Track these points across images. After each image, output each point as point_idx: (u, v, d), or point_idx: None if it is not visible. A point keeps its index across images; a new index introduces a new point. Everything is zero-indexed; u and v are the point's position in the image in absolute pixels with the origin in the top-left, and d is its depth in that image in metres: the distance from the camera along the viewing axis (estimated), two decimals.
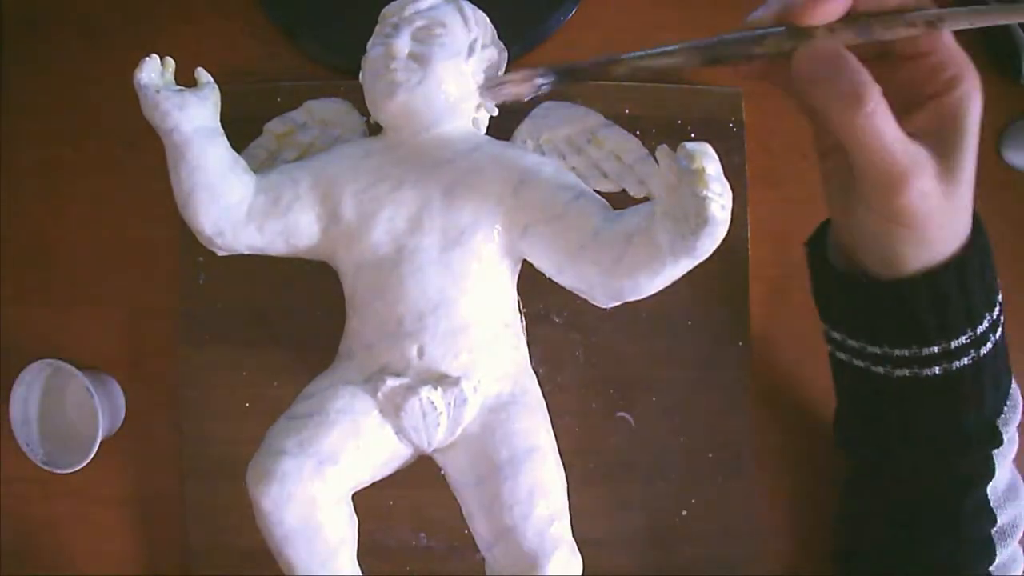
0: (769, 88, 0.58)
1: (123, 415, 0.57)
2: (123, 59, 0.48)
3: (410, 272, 0.45)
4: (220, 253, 0.48)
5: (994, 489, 0.43)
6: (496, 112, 0.49)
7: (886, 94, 0.35)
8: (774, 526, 0.57)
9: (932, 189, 0.35)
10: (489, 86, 0.43)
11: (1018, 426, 0.44)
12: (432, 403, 0.44)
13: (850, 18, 0.35)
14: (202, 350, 0.55)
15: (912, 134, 0.35)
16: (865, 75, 0.33)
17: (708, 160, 0.37)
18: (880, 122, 0.33)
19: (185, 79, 0.48)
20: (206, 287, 0.55)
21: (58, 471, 0.53)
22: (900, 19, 0.34)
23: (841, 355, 0.45)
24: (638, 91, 0.56)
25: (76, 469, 0.53)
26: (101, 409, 0.52)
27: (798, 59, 0.35)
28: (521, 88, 0.41)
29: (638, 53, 0.37)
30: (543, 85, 0.40)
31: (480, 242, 0.45)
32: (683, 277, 0.42)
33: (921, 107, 0.36)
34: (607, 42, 0.58)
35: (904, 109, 0.36)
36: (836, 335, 0.44)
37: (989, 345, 0.40)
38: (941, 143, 0.36)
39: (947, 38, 0.36)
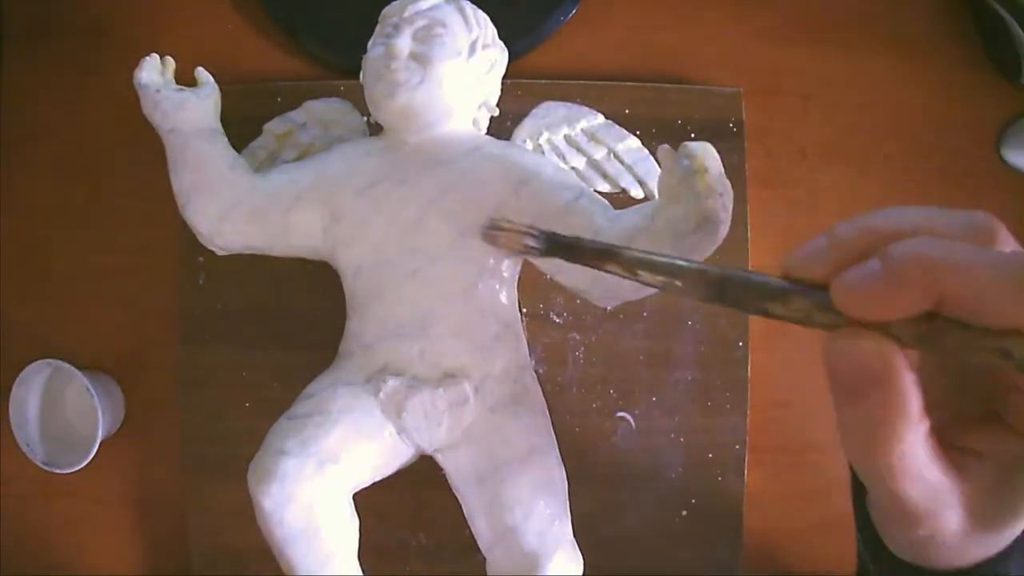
0: (769, 88, 0.58)
1: (123, 415, 0.57)
2: (124, 59, 0.48)
3: (411, 272, 0.45)
4: (220, 253, 0.48)
5: None
6: (497, 112, 0.49)
7: (942, 388, 0.25)
8: (772, 526, 0.57)
9: (954, 532, 0.24)
10: (487, 228, 0.42)
11: None
12: (433, 403, 0.44)
13: (920, 318, 0.22)
14: (202, 350, 0.55)
15: (960, 449, 0.24)
16: (907, 406, 0.22)
17: (710, 160, 0.37)
18: (903, 465, 0.23)
19: (185, 79, 0.48)
20: (206, 287, 0.55)
21: (58, 471, 0.53)
22: (988, 345, 0.22)
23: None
24: (638, 91, 0.56)
25: (76, 469, 0.53)
26: (101, 409, 0.52)
27: (828, 350, 0.23)
28: (511, 242, 0.39)
29: (639, 254, 0.30)
30: (532, 248, 0.37)
31: (480, 242, 0.45)
32: None
33: (997, 428, 0.25)
34: (606, 42, 0.58)
35: (963, 412, 0.26)
36: (863, 550, 0.33)
37: None
38: (1005, 483, 0.24)
39: None
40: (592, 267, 0.31)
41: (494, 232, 0.39)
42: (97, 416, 0.52)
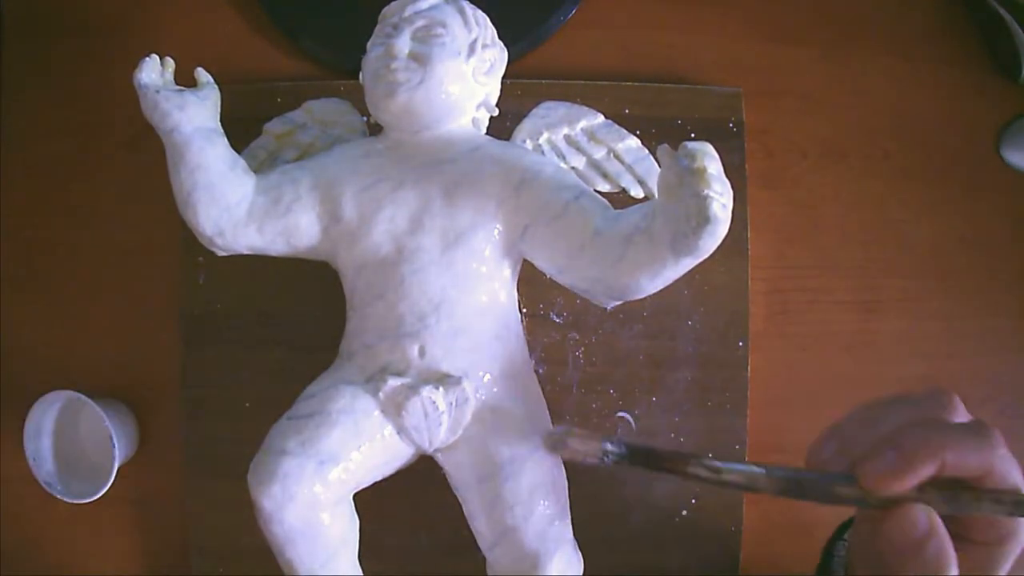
0: (769, 88, 0.58)
1: (137, 444, 0.56)
2: (123, 59, 0.48)
3: (411, 272, 0.45)
4: (220, 253, 0.48)
5: None
6: (497, 112, 0.49)
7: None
8: (772, 527, 0.57)
9: None
10: (553, 439, 0.37)
11: None
12: (434, 403, 0.44)
13: (938, 483, 0.32)
14: (202, 350, 0.55)
15: None
16: (949, 545, 0.31)
17: (709, 159, 0.37)
18: None
19: (185, 79, 0.48)
20: (206, 287, 0.55)
21: (77, 502, 0.52)
22: (989, 496, 0.31)
23: None
24: (638, 91, 0.56)
25: (93, 499, 0.52)
26: (117, 441, 0.52)
27: (889, 524, 0.32)
28: (587, 447, 0.35)
29: (719, 464, 0.34)
30: (609, 454, 0.34)
31: (481, 242, 0.45)
32: (683, 277, 0.42)
33: (956, 543, 0.32)
34: (606, 42, 0.59)
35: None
36: None
37: None
38: None
39: None
40: (672, 472, 0.34)
41: (560, 441, 0.35)
42: (113, 449, 0.52)
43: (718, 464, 0.33)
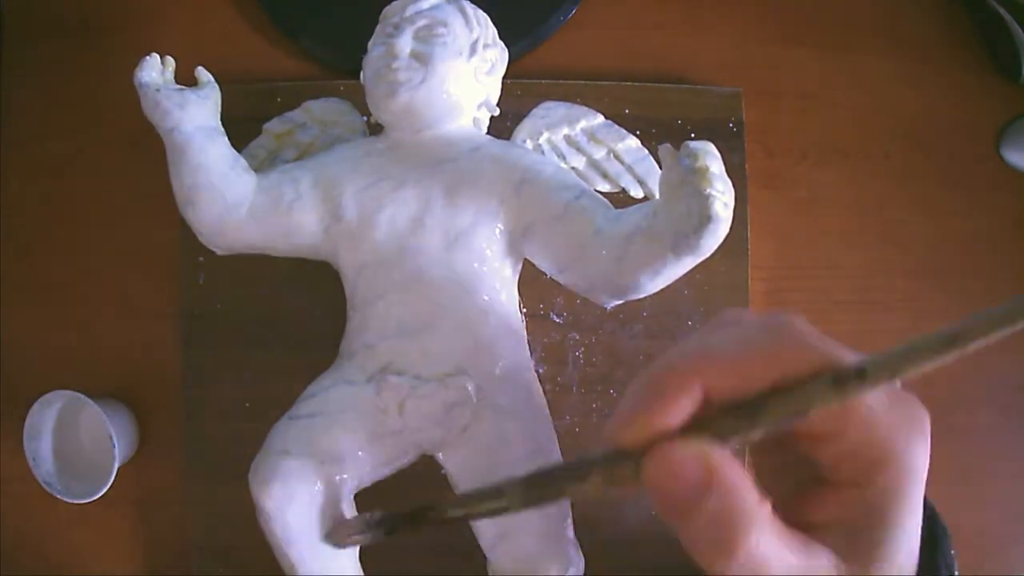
0: (769, 88, 0.58)
1: (136, 445, 0.56)
2: (124, 59, 0.48)
3: (412, 272, 0.45)
4: (220, 253, 0.48)
5: None
6: (497, 112, 0.49)
7: (776, 473, 0.24)
8: None
9: None
10: (334, 537, 0.41)
11: None
12: (435, 402, 0.44)
13: (711, 417, 0.22)
14: (202, 350, 0.55)
15: (815, 526, 0.23)
16: (742, 499, 0.21)
17: (711, 159, 0.37)
18: (756, 560, 0.21)
19: (185, 79, 0.48)
20: (206, 287, 0.55)
21: (76, 501, 0.52)
22: (790, 401, 0.22)
23: None
24: (638, 91, 0.56)
25: (92, 499, 0.52)
26: (117, 442, 0.52)
27: (647, 477, 0.22)
28: (354, 536, 0.35)
29: (465, 496, 0.28)
30: (375, 535, 0.32)
31: (482, 241, 0.45)
32: (683, 277, 0.42)
33: (830, 492, 0.24)
34: (606, 42, 0.59)
35: (803, 489, 0.24)
36: None
37: None
38: (855, 544, 0.23)
39: (867, 409, 0.22)
40: (437, 526, 0.28)
41: (334, 535, 0.38)
42: (113, 449, 0.51)
43: (466, 497, 0.27)
